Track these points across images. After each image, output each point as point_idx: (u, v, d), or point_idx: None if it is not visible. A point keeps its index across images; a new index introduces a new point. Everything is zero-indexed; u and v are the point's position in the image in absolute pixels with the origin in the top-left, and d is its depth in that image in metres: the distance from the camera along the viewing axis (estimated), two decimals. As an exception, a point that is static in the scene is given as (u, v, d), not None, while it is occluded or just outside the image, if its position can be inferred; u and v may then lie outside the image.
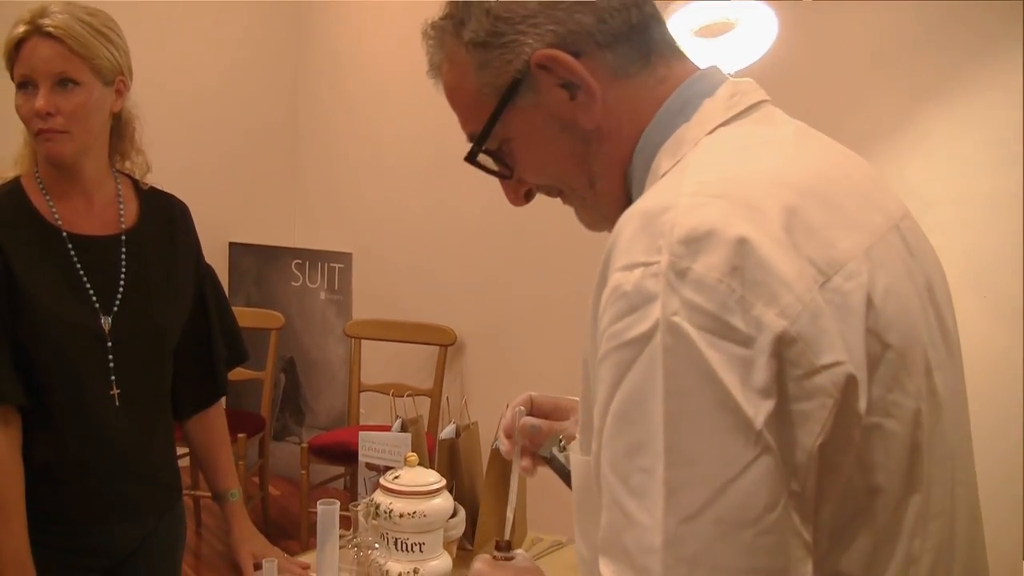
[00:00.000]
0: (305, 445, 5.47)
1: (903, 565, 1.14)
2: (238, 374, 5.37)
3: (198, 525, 5.88)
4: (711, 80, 1.32)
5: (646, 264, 1.07)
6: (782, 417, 1.04)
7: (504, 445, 1.61)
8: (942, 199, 3.56)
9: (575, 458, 1.26)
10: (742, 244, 1.06)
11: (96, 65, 2.30)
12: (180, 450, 2.75)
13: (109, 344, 2.37)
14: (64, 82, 2.27)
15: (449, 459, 2.87)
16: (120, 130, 2.47)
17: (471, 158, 1.34)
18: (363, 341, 5.69)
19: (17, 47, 2.27)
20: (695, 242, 1.06)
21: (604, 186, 1.33)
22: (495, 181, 1.40)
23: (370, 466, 2.85)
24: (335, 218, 6.40)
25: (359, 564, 2.40)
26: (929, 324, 1.23)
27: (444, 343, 5.50)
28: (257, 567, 2.50)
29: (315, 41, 6.76)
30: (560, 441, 1.56)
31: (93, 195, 2.42)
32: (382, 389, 5.37)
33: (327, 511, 2.29)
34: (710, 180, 1.15)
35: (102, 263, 2.40)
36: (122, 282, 2.41)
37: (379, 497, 2.44)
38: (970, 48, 3.46)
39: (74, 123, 2.30)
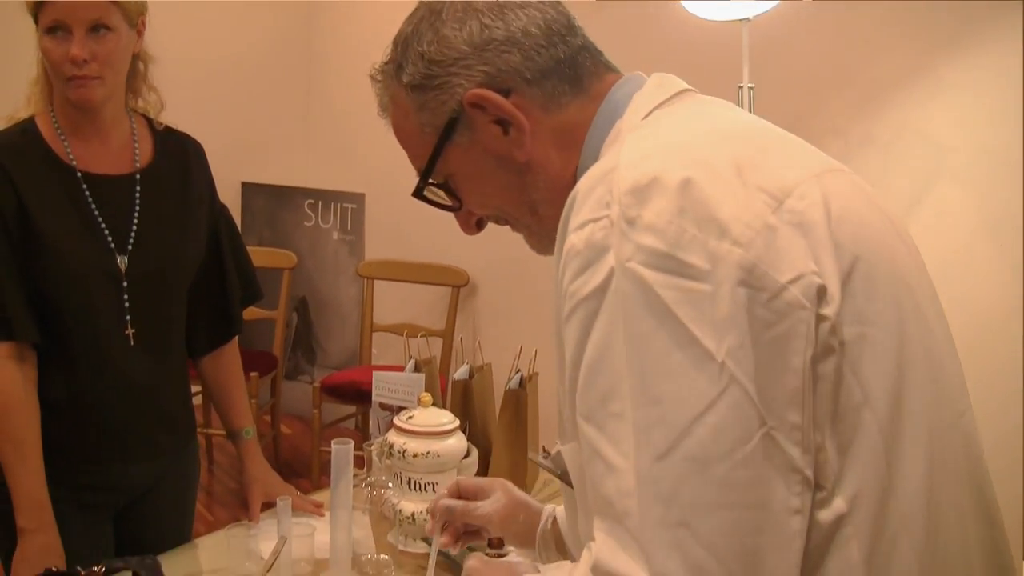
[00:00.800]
0: (317, 384, 5.50)
1: (910, 482, 1.14)
2: (250, 313, 5.35)
3: (210, 463, 5.92)
4: (637, 79, 1.38)
5: (595, 219, 1.12)
6: (761, 348, 1.05)
7: (428, 524, 1.70)
8: (959, 147, 3.55)
9: (564, 449, 1.28)
10: (687, 185, 1.10)
11: (126, 9, 2.29)
12: (194, 388, 2.76)
13: (124, 284, 2.37)
14: (97, 27, 2.25)
15: (462, 400, 2.88)
16: (133, 67, 2.46)
17: (418, 193, 1.42)
18: (375, 281, 5.70)
19: None
20: (641, 191, 1.10)
21: (547, 211, 1.37)
22: None
23: (383, 406, 2.86)
24: (348, 158, 6.38)
25: (372, 503, 2.42)
26: (898, 247, 1.26)
27: (457, 284, 5.50)
28: (271, 506, 2.51)
29: (329, -21, 6.72)
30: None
31: (108, 135, 2.41)
32: (394, 330, 5.37)
33: (341, 450, 2.30)
34: (650, 143, 1.20)
35: (116, 202, 2.40)
36: (136, 221, 2.41)
37: (393, 437, 2.45)
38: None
39: (107, 69, 2.29)
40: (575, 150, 1.35)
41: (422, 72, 1.35)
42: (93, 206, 2.36)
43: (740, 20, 3.39)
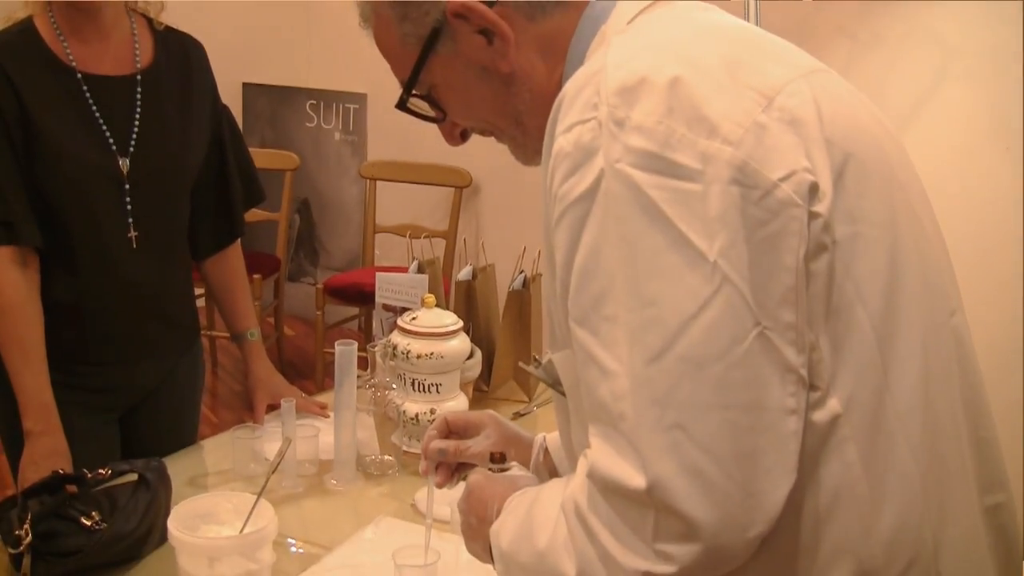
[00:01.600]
0: (320, 286, 5.50)
1: (906, 380, 1.15)
2: (253, 215, 5.34)
3: (214, 365, 5.95)
4: None
5: (583, 121, 1.11)
6: (753, 247, 1.05)
7: (422, 464, 1.68)
8: (966, 48, 3.50)
9: (555, 357, 1.27)
10: (675, 84, 1.09)
11: None
12: (197, 290, 2.76)
13: (126, 186, 2.36)
14: None
15: (465, 301, 2.88)
16: (131, -37, 2.43)
17: (401, 105, 1.40)
18: (378, 182, 5.68)
19: None
20: (629, 91, 1.09)
21: (532, 122, 1.35)
22: None
23: (387, 307, 2.86)
24: (349, 58, 6.29)
25: (376, 404, 2.43)
26: (889, 145, 1.25)
27: (460, 185, 5.48)
28: (276, 407, 2.53)
29: None
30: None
31: (108, 35, 2.38)
32: (397, 231, 5.36)
33: (345, 351, 2.31)
34: (637, 44, 1.18)
35: (117, 103, 2.38)
36: (137, 122, 2.39)
37: (396, 338, 2.46)
38: None
39: None
40: (560, 59, 1.32)
41: None
42: (94, 108, 2.34)
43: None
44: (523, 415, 2.74)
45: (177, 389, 2.62)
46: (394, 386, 2.44)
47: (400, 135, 5.79)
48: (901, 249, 1.18)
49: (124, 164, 2.35)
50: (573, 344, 1.13)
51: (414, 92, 1.39)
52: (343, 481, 2.36)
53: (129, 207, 2.37)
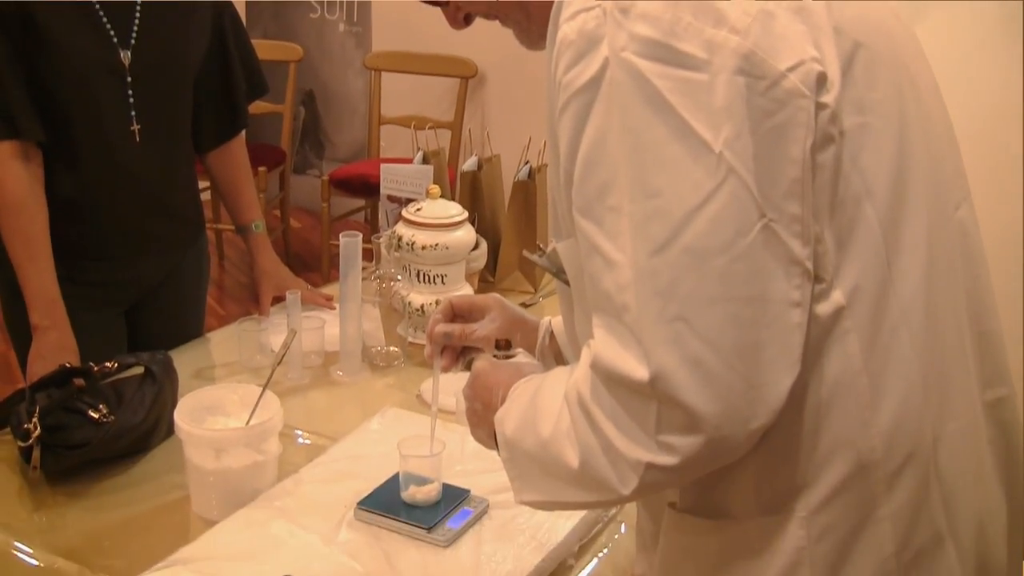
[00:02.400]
0: (326, 178, 5.49)
1: (910, 274, 1.14)
2: (257, 107, 5.28)
3: (221, 258, 5.96)
4: None
5: (588, 8, 1.08)
6: (759, 138, 1.03)
7: (427, 349, 1.64)
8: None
9: (559, 246, 1.26)
10: None
11: None
12: (202, 184, 2.74)
13: (128, 79, 2.33)
14: None
15: (471, 191, 2.86)
16: None
17: None
18: (383, 73, 5.62)
19: None
20: None
21: (536, 9, 1.31)
22: None
23: (392, 198, 2.85)
24: (352, -54, 6.23)
25: (381, 295, 2.43)
26: (899, 33, 1.22)
27: (465, 75, 5.43)
28: (282, 299, 2.52)
29: None
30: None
31: (106, -76, 2.34)
32: (402, 122, 5.33)
33: (350, 243, 2.30)
34: None
35: (117, -6, 2.34)
36: (138, 14, 2.34)
37: (401, 229, 2.45)
38: None
39: None
40: None
41: None
42: (94, 0, 2.30)
43: None
44: (529, 306, 2.74)
45: (182, 282, 2.62)
46: (399, 277, 2.43)
47: (405, 25, 5.73)
48: (909, 141, 1.16)
49: (126, 56, 2.32)
50: (577, 234, 1.12)
51: None
52: (349, 372, 2.37)
53: (131, 100, 2.35)
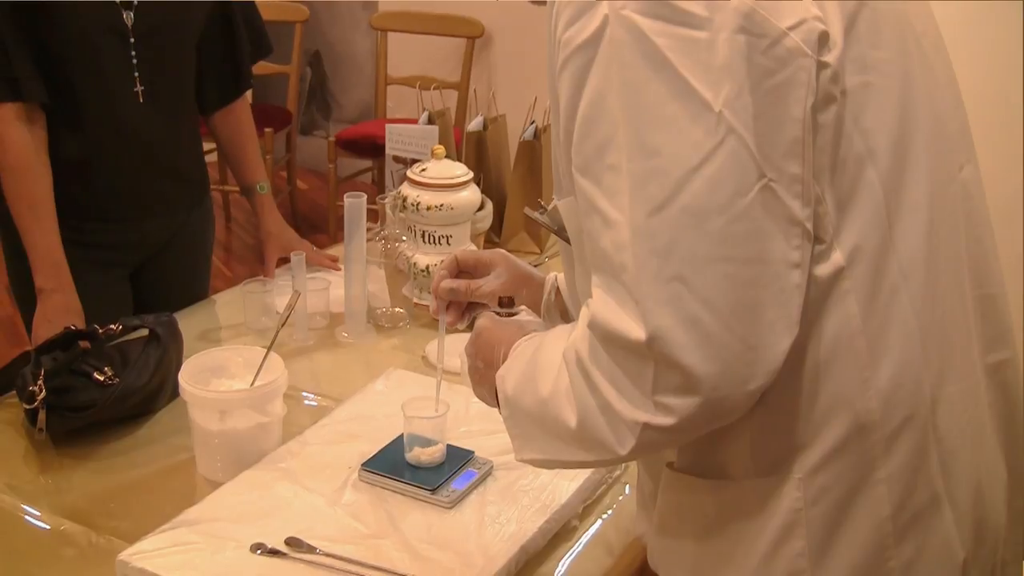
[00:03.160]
0: (332, 139, 5.47)
1: (911, 235, 1.13)
2: (263, 68, 5.28)
3: (228, 220, 5.96)
4: None
5: None
6: (760, 97, 1.02)
7: (432, 304, 1.63)
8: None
9: (560, 204, 1.25)
10: None
11: None
12: (208, 146, 2.74)
13: (131, 40, 2.32)
14: None
15: (476, 151, 2.86)
16: None
17: None
18: (389, 33, 5.60)
19: None
20: None
21: None
22: None
23: (397, 159, 2.84)
24: (357, -95, 6.19)
25: (387, 256, 2.42)
26: None
27: (472, 35, 5.40)
28: (288, 261, 2.52)
29: None
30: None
31: None
32: (409, 82, 5.29)
33: (354, 204, 2.30)
34: None
35: (118, -45, 2.33)
36: (140, -26, 2.34)
37: (406, 190, 2.44)
38: None
39: None
40: None
41: None
42: (95, -40, 2.28)
43: None
44: (536, 266, 2.73)
45: (187, 244, 2.62)
46: (404, 238, 2.43)
47: (411, -16, 5.70)
48: (912, 100, 1.16)
49: (128, 18, 2.30)
50: (576, 193, 1.12)
51: None
52: (354, 334, 2.37)
53: (134, 61, 2.34)
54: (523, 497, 1.74)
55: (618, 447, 1.08)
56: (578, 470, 1.77)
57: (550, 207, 1.33)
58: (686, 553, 1.25)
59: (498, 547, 1.62)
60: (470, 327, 1.50)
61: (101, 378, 1.93)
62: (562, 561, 1.68)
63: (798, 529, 1.13)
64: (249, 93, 2.74)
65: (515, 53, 5.43)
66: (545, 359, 1.19)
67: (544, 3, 1.24)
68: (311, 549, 1.59)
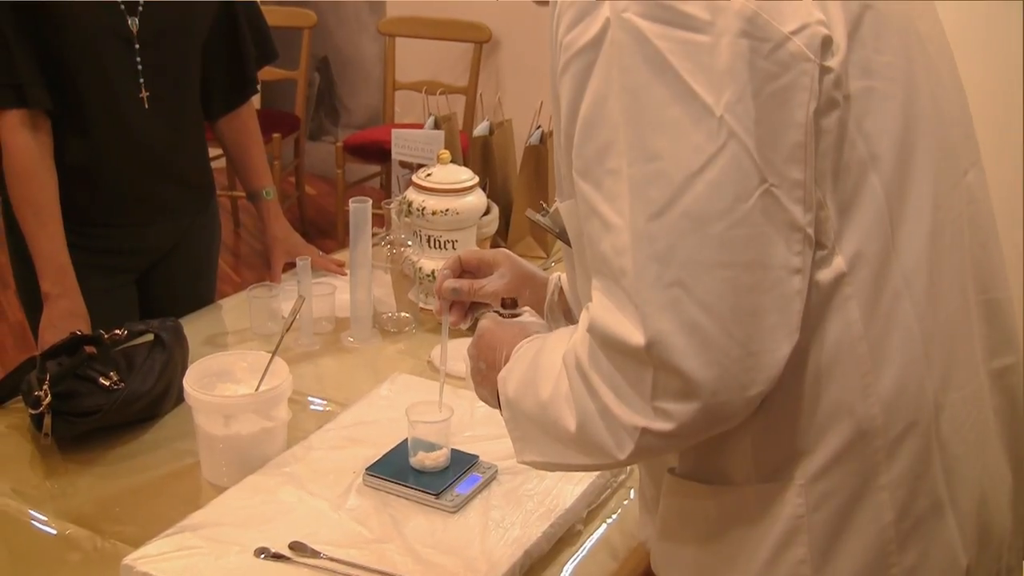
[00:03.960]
0: (340, 144, 5.48)
1: (914, 240, 1.13)
2: (271, 74, 5.32)
3: (236, 225, 5.97)
4: None
5: None
6: (762, 102, 1.02)
7: (435, 305, 1.63)
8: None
9: (562, 206, 1.25)
10: None
11: None
12: (216, 151, 2.74)
13: (136, 46, 2.32)
14: None
15: (482, 156, 2.86)
16: None
17: None
18: (397, 39, 5.61)
19: None
20: None
21: None
22: None
23: (403, 164, 2.84)
24: (365, -90, 6.20)
25: (392, 261, 2.42)
26: None
27: (479, 40, 5.41)
28: (293, 266, 2.53)
29: None
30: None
31: None
32: (417, 87, 5.31)
33: (359, 209, 2.30)
34: None
35: (123, -40, 2.33)
36: (145, -20, 2.34)
37: (411, 195, 2.44)
38: None
39: None
40: None
41: None
42: (100, -34, 2.29)
43: None
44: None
45: (193, 249, 2.62)
46: (410, 243, 2.43)
47: (419, -10, 5.71)
48: (916, 104, 1.15)
49: (133, 23, 2.31)
50: (576, 196, 1.11)
51: None
52: (360, 339, 2.37)
53: (140, 67, 2.34)
54: (527, 501, 1.74)
55: (617, 452, 1.07)
56: (582, 474, 1.77)
57: (552, 209, 1.33)
58: (688, 558, 1.25)
59: (502, 551, 1.62)
60: (473, 328, 1.50)
61: (106, 383, 1.93)
62: (566, 566, 1.68)
63: (800, 535, 1.13)
64: (257, 99, 2.74)
65: (522, 58, 5.44)
66: (546, 362, 1.19)
67: (547, 3, 1.25)
68: (315, 554, 1.60)
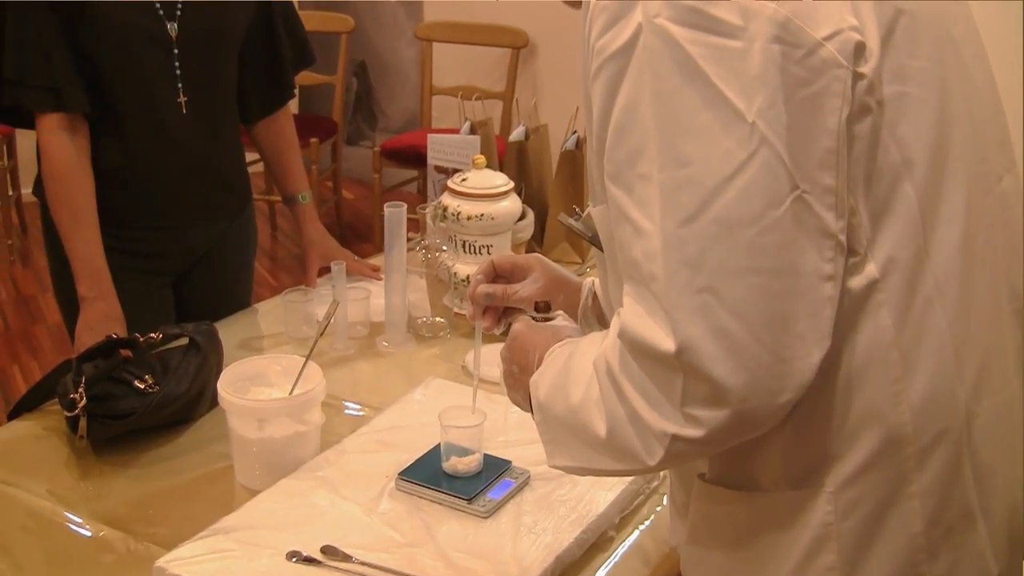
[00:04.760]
0: (377, 149, 5.49)
1: (946, 247, 1.12)
2: (310, 79, 5.34)
3: (273, 229, 5.99)
4: None
5: None
6: (794, 108, 1.01)
7: (469, 310, 1.63)
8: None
9: (594, 211, 1.25)
10: None
11: None
12: (254, 156, 2.75)
13: (175, 51, 2.34)
14: None
15: (518, 161, 2.85)
16: None
17: None
18: (434, 43, 5.62)
19: None
20: None
21: None
22: None
23: (439, 169, 2.84)
24: (404, -84, 6.22)
25: (427, 266, 2.42)
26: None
27: (517, 45, 5.41)
28: (328, 270, 2.53)
29: None
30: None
31: None
32: (454, 92, 5.32)
33: (394, 214, 2.30)
34: None
35: (162, -33, 2.34)
36: (183, -15, 2.35)
37: (446, 199, 2.44)
38: None
39: None
40: None
41: None
42: (139, -28, 2.30)
43: None
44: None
45: (229, 253, 2.64)
46: (444, 248, 2.43)
47: (457, -5, 5.72)
48: (950, 110, 1.14)
49: (172, 28, 2.32)
50: (608, 201, 1.11)
51: None
52: (394, 343, 2.37)
53: (178, 72, 2.36)
54: (560, 507, 1.73)
55: (647, 458, 1.07)
56: (615, 480, 1.77)
57: (584, 214, 1.32)
58: (716, 563, 1.24)
59: (533, 557, 1.62)
60: (506, 333, 1.50)
61: (141, 386, 1.94)
62: (598, 572, 1.67)
63: (829, 543, 1.12)
64: (295, 103, 2.74)
65: (559, 63, 5.44)
66: (578, 367, 1.19)
67: (579, 5, 1.24)
68: (347, 557, 1.60)
